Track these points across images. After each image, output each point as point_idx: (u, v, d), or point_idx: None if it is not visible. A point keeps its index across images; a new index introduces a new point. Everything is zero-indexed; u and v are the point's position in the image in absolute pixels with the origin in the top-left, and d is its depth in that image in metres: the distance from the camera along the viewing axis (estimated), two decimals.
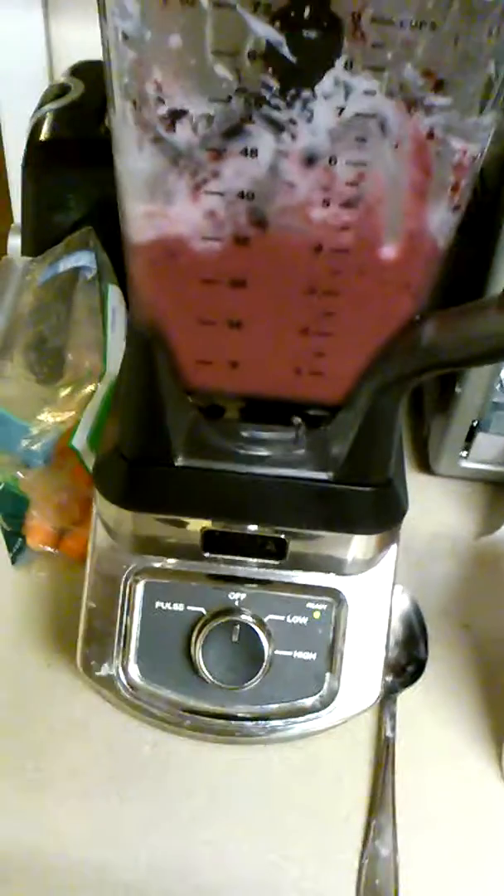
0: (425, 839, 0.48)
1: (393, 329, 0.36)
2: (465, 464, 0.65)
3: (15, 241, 0.68)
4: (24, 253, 0.65)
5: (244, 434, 0.42)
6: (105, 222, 0.62)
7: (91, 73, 0.69)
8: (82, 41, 0.80)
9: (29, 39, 0.79)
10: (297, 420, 0.42)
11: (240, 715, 0.46)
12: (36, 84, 0.80)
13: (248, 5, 0.28)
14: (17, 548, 0.59)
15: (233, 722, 0.46)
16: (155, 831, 0.47)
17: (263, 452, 0.42)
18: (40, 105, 0.66)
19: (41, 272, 0.60)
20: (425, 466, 0.67)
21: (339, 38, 0.28)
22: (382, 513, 0.44)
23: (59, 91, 0.67)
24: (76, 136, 0.64)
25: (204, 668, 0.45)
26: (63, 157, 0.63)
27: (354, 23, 0.28)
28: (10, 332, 0.59)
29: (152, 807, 0.48)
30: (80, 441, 0.52)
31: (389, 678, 0.52)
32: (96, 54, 0.78)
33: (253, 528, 0.44)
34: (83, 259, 0.59)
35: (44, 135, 0.64)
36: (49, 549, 0.59)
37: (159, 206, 0.33)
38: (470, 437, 0.63)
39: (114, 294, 0.60)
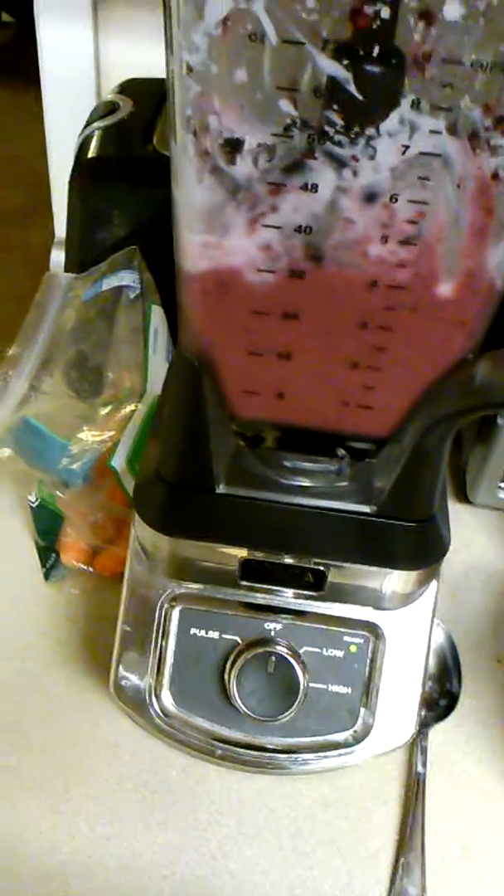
0: (455, 879, 0.47)
1: (445, 366, 0.36)
2: None
3: (58, 256, 0.69)
4: (67, 268, 0.65)
5: (287, 464, 0.42)
6: (149, 241, 0.63)
7: (139, 91, 0.70)
8: (131, 58, 0.81)
9: (78, 55, 0.80)
10: (342, 452, 0.41)
11: (271, 747, 0.46)
12: (83, 100, 0.80)
13: (316, 42, 0.27)
14: (50, 563, 0.59)
15: (264, 753, 0.46)
16: (181, 858, 0.47)
17: (306, 483, 0.42)
18: (88, 122, 0.67)
19: (85, 289, 0.60)
20: (462, 496, 0.67)
21: (407, 76, 0.28)
22: (424, 549, 0.43)
23: (107, 109, 0.67)
24: (123, 155, 0.64)
25: (237, 698, 0.44)
26: (110, 175, 0.63)
27: (423, 62, 0.27)
28: (51, 348, 0.60)
29: (179, 833, 0.48)
30: (119, 461, 0.52)
31: (422, 712, 0.52)
32: (144, 72, 0.78)
33: (292, 558, 0.44)
34: (127, 278, 0.59)
35: (91, 152, 0.64)
36: (82, 566, 0.59)
37: (215, 237, 0.33)
38: None
39: (156, 314, 0.60)
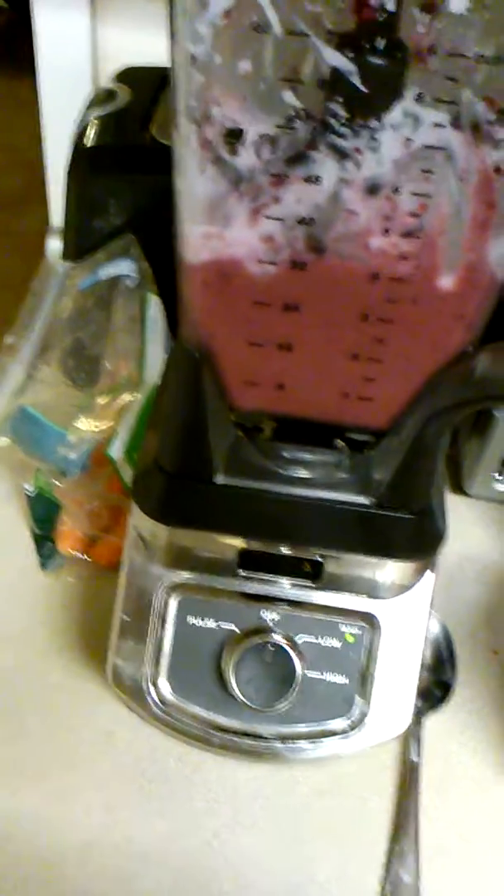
0: (449, 866, 0.47)
1: (445, 359, 0.36)
2: (500, 486, 0.64)
3: (55, 245, 0.68)
4: (63, 257, 0.65)
5: (286, 455, 0.42)
6: (146, 230, 0.62)
7: (137, 79, 0.69)
8: (129, 45, 0.80)
9: (75, 42, 0.79)
10: (341, 443, 0.41)
11: (268, 735, 0.46)
12: (80, 87, 0.80)
13: (320, 34, 0.27)
14: (47, 552, 0.59)
15: (261, 741, 0.46)
16: (178, 846, 0.47)
17: (304, 474, 0.42)
18: (86, 110, 0.66)
19: (81, 278, 0.60)
20: (457, 487, 0.67)
21: (412, 69, 0.28)
22: (421, 540, 0.43)
23: (105, 97, 0.66)
24: (121, 143, 0.64)
25: (235, 687, 0.45)
26: (107, 164, 0.63)
27: (427, 55, 0.27)
28: (48, 336, 0.60)
29: (176, 821, 0.48)
30: (116, 451, 0.52)
31: (417, 702, 0.52)
32: (142, 59, 0.78)
33: (289, 548, 0.44)
34: (124, 267, 0.59)
35: (89, 140, 0.64)
36: (79, 554, 0.59)
37: (217, 228, 0.33)
38: None
39: (154, 303, 0.60)
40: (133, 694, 0.47)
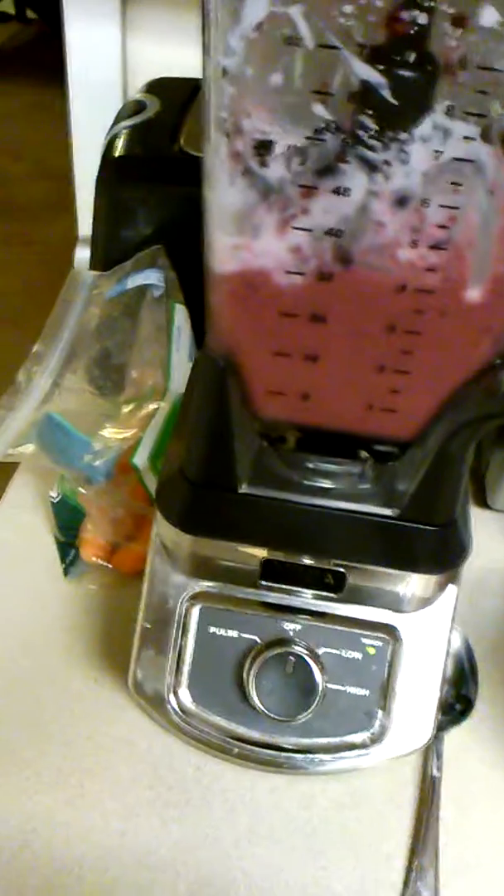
0: (468, 883, 0.47)
1: (471, 371, 0.36)
2: None
3: (82, 254, 0.69)
4: (91, 266, 0.66)
5: (310, 465, 0.42)
6: (173, 240, 0.63)
7: (167, 91, 0.70)
8: (158, 57, 0.81)
9: (105, 54, 0.80)
10: (365, 454, 0.41)
11: (288, 746, 0.46)
12: (110, 98, 0.81)
13: (352, 47, 0.28)
14: (70, 559, 0.60)
15: (281, 753, 0.46)
16: (195, 855, 0.47)
17: (328, 485, 0.42)
18: (116, 121, 0.67)
19: (109, 287, 0.60)
20: (481, 500, 0.66)
21: (442, 83, 0.28)
22: (445, 553, 0.43)
23: (135, 108, 0.67)
24: (150, 154, 0.64)
25: (255, 698, 0.45)
26: (136, 174, 0.64)
27: (458, 69, 0.27)
28: (75, 345, 0.60)
29: (193, 830, 0.48)
30: (141, 459, 0.52)
31: (437, 716, 0.52)
32: (171, 71, 0.79)
33: (312, 559, 0.44)
34: (151, 277, 0.59)
35: (118, 151, 0.65)
36: (101, 562, 0.59)
37: (245, 239, 0.33)
38: None
39: (180, 313, 0.60)
40: (154, 702, 0.47)
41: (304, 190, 0.31)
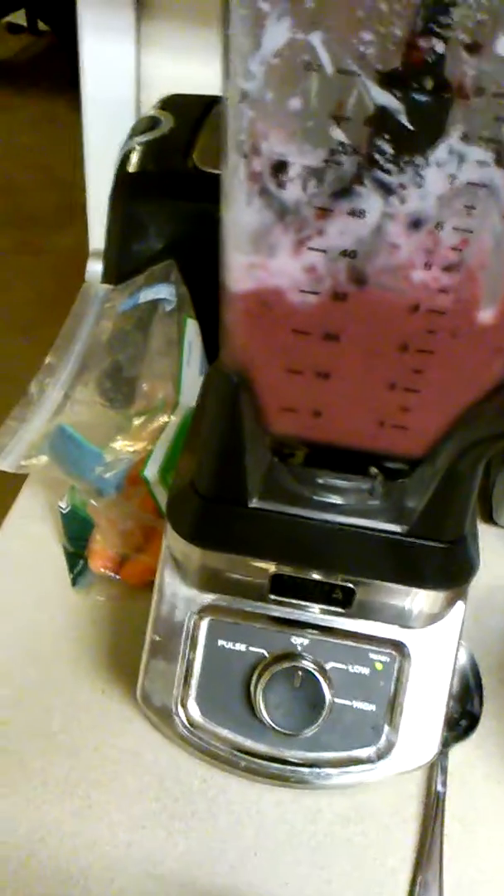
0: None
1: (482, 391, 0.36)
2: None
3: (94, 267, 0.69)
4: (104, 280, 0.66)
5: (320, 481, 0.43)
6: (186, 255, 0.63)
7: (181, 107, 0.70)
8: (172, 73, 0.82)
9: (120, 69, 0.81)
10: (375, 471, 0.42)
11: (295, 760, 0.46)
12: (123, 113, 0.82)
13: (370, 73, 0.28)
14: (78, 570, 0.60)
15: (287, 767, 0.46)
16: (200, 867, 0.47)
17: (338, 501, 0.43)
18: (130, 136, 0.68)
19: (121, 301, 0.61)
20: (487, 517, 0.67)
21: (457, 108, 0.28)
22: (453, 569, 0.43)
23: (149, 124, 0.68)
24: (163, 170, 0.65)
25: (263, 711, 0.45)
26: (150, 190, 0.64)
27: (473, 95, 0.28)
28: (87, 357, 0.61)
29: (199, 843, 0.48)
30: (151, 472, 0.53)
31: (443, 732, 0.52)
32: (185, 87, 0.79)
33: (321, 574, 0.44)
34: (163, 291, 0.60)
35: (132, 166, 0.65)
36: (109, 573, 0.59)
37: (261, 258, 0.33)
38: None
39: (191, 327, 0.60)
40: (162, 714, 0.47)
41: (320, 211, 0.32)
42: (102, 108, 0.82)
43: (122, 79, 0.81)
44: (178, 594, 0.47)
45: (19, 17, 3.44)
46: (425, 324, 0.34)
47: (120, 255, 0.66)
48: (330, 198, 0.31)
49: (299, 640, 0.46)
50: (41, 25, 3.45)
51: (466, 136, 0.29)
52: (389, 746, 0.46)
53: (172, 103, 0.72)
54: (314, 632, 0.46)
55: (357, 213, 0.31)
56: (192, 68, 0.75)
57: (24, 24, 3.46)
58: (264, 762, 0.46)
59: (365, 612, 0.45)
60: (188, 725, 0.47)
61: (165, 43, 0.80)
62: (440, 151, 0.29)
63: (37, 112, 2.87)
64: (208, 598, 0.46)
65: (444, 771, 0.51)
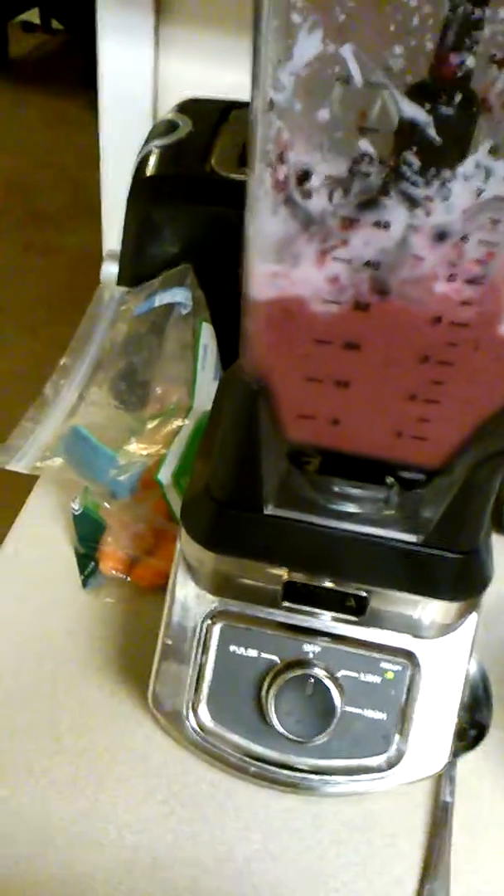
0: None
1: (502, 403, 0.36)
2: None
3: (109, 269, 0.70)
4: (119, 282, 0.66)
5: (336, 489, 0.43)
6: (202, 259, 0.63)
7: (199, 111, 0.71)
8: (190, 77, 0.82)
9: (138, 72, 0.81)
10: (391, 481, 0.42)
11: (304, 767, 0.46)
12: (140, 117, 0.82)
13: (399, 86, 0.28)
14: (88, 571, 0.60)
15: (297, 774, 0.46)
16: (207, 872, 0.47)
17: (353, 509, 0.43)
18: (148, 140, 0.68)
19: (137, 304, 0.61)
20: (497, 525, 0.67)
21: (485, 122, 0.28)
22: (467, 580, 0.43)
23: (167, 128, 0.68)
24: (181, 174, 0.65)
25: (274, 718, 0.45)
26: (167, 193, 0.65)
27: (502, 111, 0.28)
28: (101, 359, 0.61)
29: (206, 847, 0.48)
30: (165, 476, 0.53)
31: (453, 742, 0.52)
32: (202, 90, 0.79)
33: (335, 582, 0.44)
34: (179, 295, 0.60)
35: (150, 170, 0.65)
36: (120, 575, 0.59)
37: (284, 267, 0.33)
38: None
39: (206, 331, 0.60)
40: (172, 718, 0.47)
41: (345, 222, 0.32)
42: (119, 111, 0.83)
43: (140, 81, 0.81)
44: (191, 599, 0.47)
45: (33, 16, 3.45)
46: (447, 336, 0.34)
47: (136, 257, 0.66)
48: (355, 209, 0.31)
49: (311, 648, 0.46)
50: (55, 24, 3.46)
51: (494, 150, 0.29)
52: (399, 756, 0.46)
53: (190, 107, 0.73)
54: (326, 639, 0.46)
55: (382, 225, 0.31)
56: (211, 72, 0.76)
57: (38, 22, 3.48)
58: (274, 768, 0.46)
59: (377, 621, 0.45)
60: (198, 730, 0.47)
61: (184, 46, 0.81)
62: (468, 165, 0.29)
63: (49, 110, 2.87)
64: (221, 603, 0.46)
65: (453, 781, 0.51)
